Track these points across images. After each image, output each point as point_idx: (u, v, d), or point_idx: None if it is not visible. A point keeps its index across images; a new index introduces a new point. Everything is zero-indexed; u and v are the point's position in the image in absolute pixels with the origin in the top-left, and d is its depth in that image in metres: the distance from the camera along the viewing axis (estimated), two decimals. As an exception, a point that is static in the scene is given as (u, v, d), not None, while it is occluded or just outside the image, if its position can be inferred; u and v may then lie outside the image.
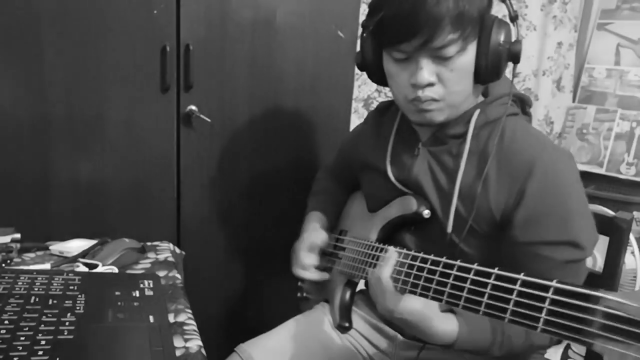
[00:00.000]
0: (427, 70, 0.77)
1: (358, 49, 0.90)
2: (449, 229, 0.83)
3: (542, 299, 0.52)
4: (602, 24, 2.26)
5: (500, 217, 0.80)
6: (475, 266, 0.61)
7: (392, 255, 0.73)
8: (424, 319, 0.72)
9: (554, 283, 0.52)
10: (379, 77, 0.87)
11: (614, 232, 0.99)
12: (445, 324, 0.74)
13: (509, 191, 0.79)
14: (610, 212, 1.03)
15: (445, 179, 0.85)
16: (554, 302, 0.51)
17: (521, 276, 0.55)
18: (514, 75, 0.84)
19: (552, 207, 0.77)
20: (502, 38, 0.77)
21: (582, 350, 1.90)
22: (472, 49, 0.78)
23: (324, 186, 1.19)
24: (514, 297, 0.55)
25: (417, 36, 0.74)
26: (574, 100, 2.31)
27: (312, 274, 1.02)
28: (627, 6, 2.20)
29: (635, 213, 1.94)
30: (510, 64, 0.82)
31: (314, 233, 1.05)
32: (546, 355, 0.97)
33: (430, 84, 0.78)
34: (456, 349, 0.76)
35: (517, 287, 0.55)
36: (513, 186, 0.78)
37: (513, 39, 0.80)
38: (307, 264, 1.02)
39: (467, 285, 0.61)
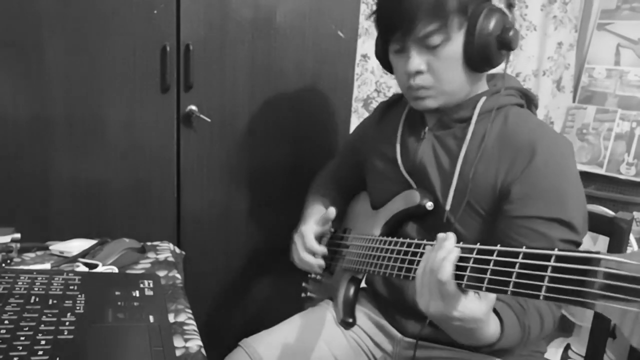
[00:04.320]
0: (415, 59, 0.83)
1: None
2: (447, 206, 0.85)
3: (544, 268, 0.52)
4: (602, 24, 2.26)
5: (499, 192, 0.81)
6: (477, 246, 0.61)
7: (453, 250, 0.61)
8: (483, 325, 0.64)
9: (555, 251, 0.52)
10: (390, 68, 0.94)
11: (614, 232, 0.99)
12: (492, 327, 0.68)
13: (509, 167, 0.81)
14: (610, 212, 1.03)
15: (448, 161, 0.88)
16: (555, 269, 0.51)
17: (523, 249, 0.55)
18: (508, 62, 0.86)
19: (551, 184, 0.78)
20: (491, 26, 0.80)
21: (582, 350, 1.90)
22: (459, 38, 0.81)
23: (323, 183, 1.20)
24: (516, 269, 0.55)
25: (399, 29, 0.81)
26: (574, 101, 2.30)
27: (318, 262, 0.97)
28: (627, 6, 2.20)
29: (635, 213, 1.94)
30: (506, 52, 0.84)
31: (318, 217, 1.01)
32: (546, 355, 0.97)
33: (420, 72, 0.83)
34: (493, 350, 0.71)
35: (519, 259, 0.55)
36: (514, 162, 0.80)
37: (507, 26, 0.82)
38: (315, 249, 0.97)
39: (470, 264, 0.60)
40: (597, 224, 1.00)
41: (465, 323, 0.62)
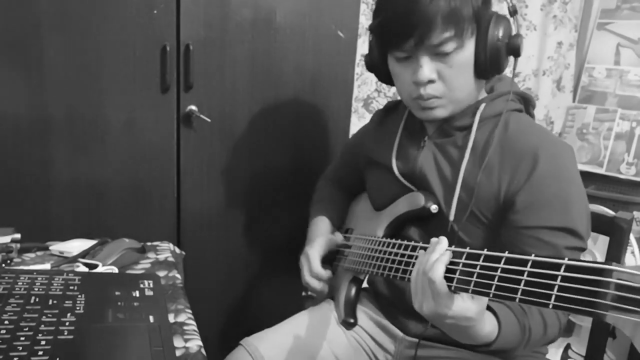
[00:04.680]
0: (427, 68, 0.80)
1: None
2: (451, 217, 0.84)
3: (554, 277, 0.52)
4: (602, 23, 2.26)
5: (503, 201, 0.81)
6: (484, 252, 0.61)
7: (446, 253, 0.64)
8: (476, 323, 0.66)
9: (565, 260, 0.52)
10: (386, 78, 0.91)
11: (614, 232, 0.99)
12: (488, 326, 0.69)
13: (512, 175, 0.80)
14: (610, 212, 1.03)
15: (449, 169, 0.87)
16: (565, 278, 0.51)
17: (532, 257, 0.56)
18: (515, 68, 0.85)
19: (555, 193, 0.78)
20: (500, 33, 0.80)
21: (582, 350, 1.90)
22: (470, 45, 0.80)
23: (325, 194, 1.19)
24: (524, 277, 0.55)
25: (413, 35, 0.78)
26: (574, 100, 2.30)
27: (323, 287, 1.00)
28: (627, 6, 2.20)
29: (635, 213, 1.94)
30: (512, 59, 0.84)
31: (325, 240, 1.03)
32: (546, 355, 0.97)
33: (431, 81, 0.81)
34: (490, 350, 0.72)
35: (527, 268, 0.55)
36: (517, 170, 0.80)
37: (513, 33, 0.82)
38: (321, 274, 0.99)
39: (477, 270, 0.60)
40: (597, 224, 1.00)
41: (458, 321, 0.64)
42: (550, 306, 0.52)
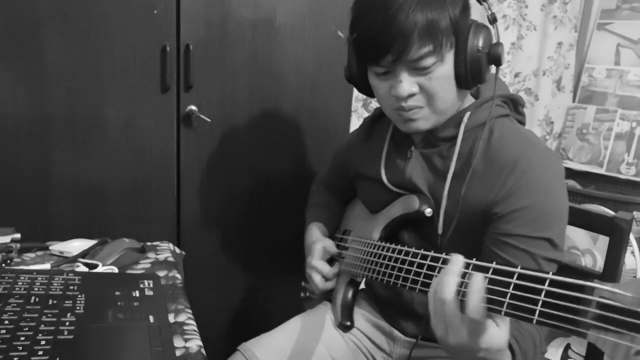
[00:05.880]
0: (406, 83, 0.79)
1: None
2: (440, 230, 0.84)
3: (538, 291, 0.52)
4: (602, 24, 2.26)
5: (484, 212, 0.80)
6: (473, 261, 0.60)
7: (480, 281, 0.56)
8: (503, 355, 0.62)
9: (549, 275, 0.52)
10: (367, 90, 0.89)
11: (614, 232, 0.99)
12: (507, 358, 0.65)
13: (493, 186, 0.79)
14: (610, 212, 1.03)
15: (436, 180, 0.86)
16: (549, 293, 0.51)
17: (518, 269, 0.55)
18: (497, 77, 0.84)
19: (532, 202, 0.77)
20: (480, 43, 0.78)
21: (582, 350, 1.90)
22: (450, 58, 0.79)
23: (320, 199, 1.18)
24: (510, 290, 0.55)
25: (390, 51, 0.76)
26: (574, 100, 2.30)
27: (333, 284, 0.99)
28: (627, 6, 2.20)
29: (635, 213, 1.94)
30: (494, 67, 0.82)
31: (322, 242, 1.02)
32: (546, 355, 0.96)
33: (412, 95, 0.80)
34: None
35: (513, 280, 0.55)
36: (497, 181, 0.79)
37: (493, 41, 0.80)
38: (328, 273, 0.97)
39: (465, 280, 0.60)
40: (597, 224, 1.00)
41: (489, 354, 0.60)
42: (534, 321, 0.51)
